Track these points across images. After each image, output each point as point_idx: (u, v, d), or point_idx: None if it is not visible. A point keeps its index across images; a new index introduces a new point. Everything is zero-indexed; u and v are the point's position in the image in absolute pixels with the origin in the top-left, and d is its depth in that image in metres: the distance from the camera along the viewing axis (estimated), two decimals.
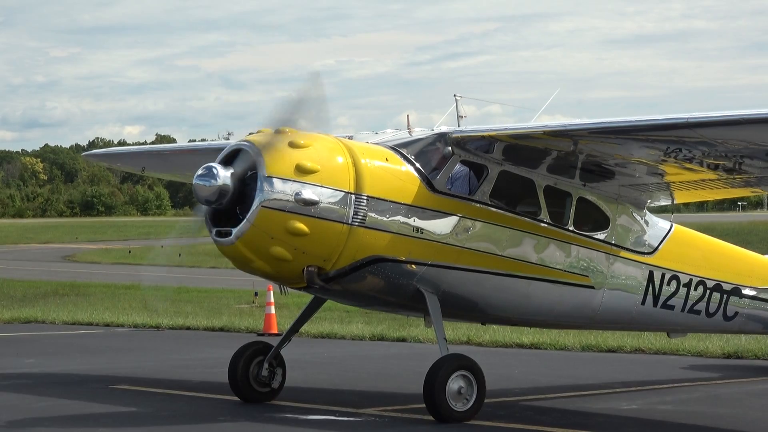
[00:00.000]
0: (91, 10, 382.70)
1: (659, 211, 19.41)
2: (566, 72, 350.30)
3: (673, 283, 18.45)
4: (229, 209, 15.17)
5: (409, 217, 15.79)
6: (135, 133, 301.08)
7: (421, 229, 15.88)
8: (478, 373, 15.77)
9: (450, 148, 16.31)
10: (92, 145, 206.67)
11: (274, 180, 14.95)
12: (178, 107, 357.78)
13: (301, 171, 15.05)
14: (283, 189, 14.98)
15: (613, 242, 17.81)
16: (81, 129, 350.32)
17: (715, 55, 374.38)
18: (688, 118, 14.89)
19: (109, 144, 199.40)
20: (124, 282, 47.97)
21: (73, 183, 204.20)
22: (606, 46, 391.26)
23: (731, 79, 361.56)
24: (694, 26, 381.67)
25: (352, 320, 30.77)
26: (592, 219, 17.69)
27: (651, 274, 18.20)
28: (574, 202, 17.39)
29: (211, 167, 15.01)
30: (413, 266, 15.89)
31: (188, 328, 30.14)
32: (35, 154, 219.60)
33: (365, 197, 15.42)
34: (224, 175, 14.95)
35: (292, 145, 15.18)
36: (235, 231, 15.05)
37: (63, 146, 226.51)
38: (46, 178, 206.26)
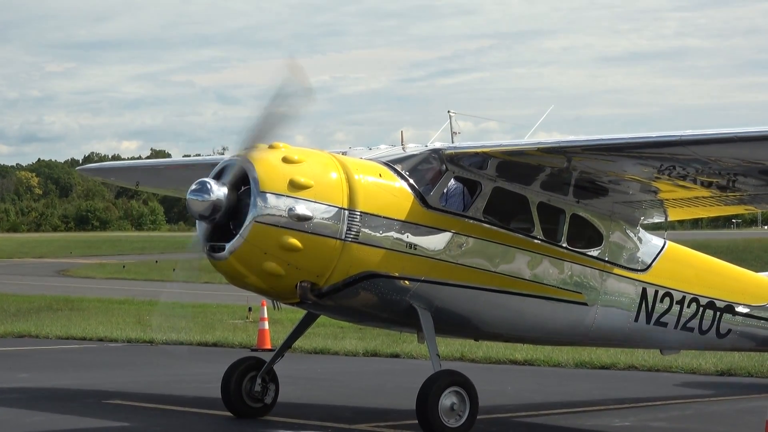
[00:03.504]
0: (86, 26, 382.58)
1: (653, 228, 19.42)
2: (561, 89, 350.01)
3: (666, 300, 18.46)
4: (222, 224, 15.16)
5: (403, 233, 15.79)
6: (132, 148, 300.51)
7: (415, 245, 15.88)
8: (471, 389, 15.75)
9: (444, 164, 16.32)
10: (88, 159, 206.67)
11: (268, 195, 14.95)
12: (175, 122, 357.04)
13: (295, 186, 15.05)
14: (276, 204, 14.97)
15: (607, 259, 17.82)
16: (78, 144, 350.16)
17: (710, 73, 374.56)
18: (681, 136, 14.91)
19: (104, 159, 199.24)
20: (118, 297, 47.92)
21: (67, 197, 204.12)
22: (600, 63, 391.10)
23: (725, 97, 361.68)
24: (688, 44, 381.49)
25: (346, 336, 30.74)
26: (586, 236, 17.71)
27: (644, 290, 18.21)
28: (568, 219, 17.41)
29: (205, 182, 15.01)
30: (406, 282, 15.89)
31: (182, 343, 30.10)
32: (30, 168, 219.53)
33: (359, 213, 15.42)
34: (218, 190, 14.96)
35: (286, 160, 15.19)
36: (228, 246, 15.03)
37: (57, 161, 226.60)
38: (41, 192, 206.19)
